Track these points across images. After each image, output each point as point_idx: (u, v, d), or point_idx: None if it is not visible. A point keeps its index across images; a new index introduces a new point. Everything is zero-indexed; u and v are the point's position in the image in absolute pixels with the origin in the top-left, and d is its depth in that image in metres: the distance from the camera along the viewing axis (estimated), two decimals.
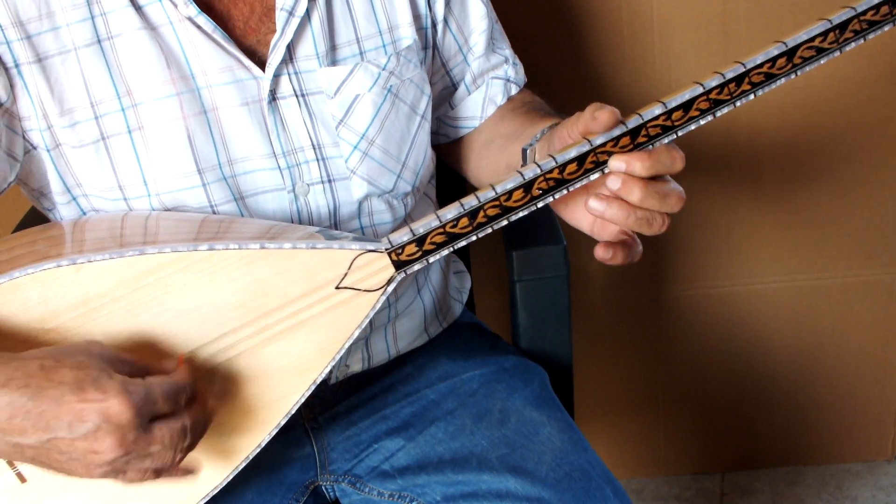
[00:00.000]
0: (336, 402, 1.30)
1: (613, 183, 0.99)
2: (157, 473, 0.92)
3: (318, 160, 1.17)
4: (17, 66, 1.07)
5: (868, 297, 2.04)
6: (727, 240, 1.99)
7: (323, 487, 1.27)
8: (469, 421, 1.25)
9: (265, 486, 1.22)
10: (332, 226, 1.19)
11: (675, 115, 0.98)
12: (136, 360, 0.94)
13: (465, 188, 1.60)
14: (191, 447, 0.94)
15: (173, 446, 0.91)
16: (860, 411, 2.16)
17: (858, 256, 2.00)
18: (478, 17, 1.31)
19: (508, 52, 1.37)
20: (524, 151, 1.13)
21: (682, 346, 2.11)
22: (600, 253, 1.03)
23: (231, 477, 1.05)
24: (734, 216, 1.97)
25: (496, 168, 1.30)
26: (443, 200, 1.40)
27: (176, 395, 0.92)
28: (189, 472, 0.99)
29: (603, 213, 1.00)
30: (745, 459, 2.23)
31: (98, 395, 0.87)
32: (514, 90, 1.36)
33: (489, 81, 1.34)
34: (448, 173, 1.42)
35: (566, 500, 1.15)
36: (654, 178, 1.00)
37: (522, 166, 1.11)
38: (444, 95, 1.36)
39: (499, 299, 1.94)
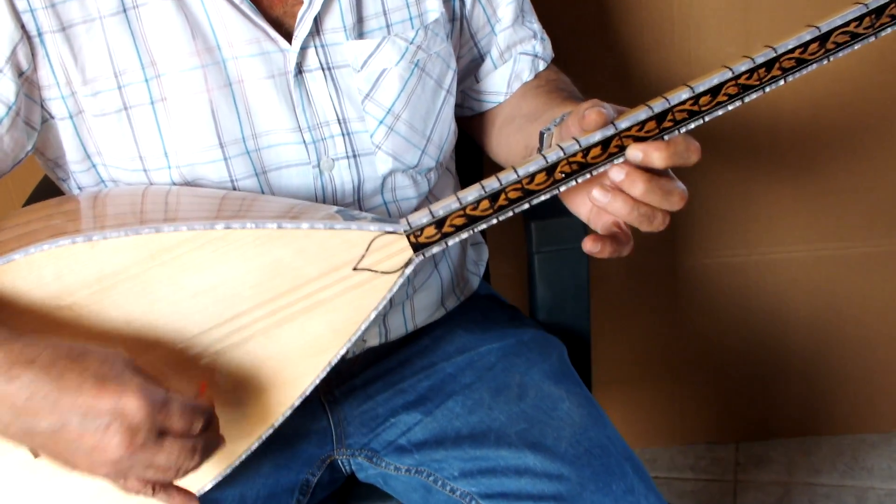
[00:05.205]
0: (353, 376, 1.29)
1: (617, 175, 0.98)
2: (156, 489, 0.92)
3: (343, 135, 1.15)
4: (39, 34, 1.05)
5: (888, 267, 2.02)
6: (746, 209, 1.97)
7: (339, 461, 1.27)
8: (487, 395, 1.25)
9: (281, 460, 1.22)
10: (356, 201, 1.18)
11: (703, 100, 0.96)
12: (158, 377, 0.93)
13: (483, 160, 1.58)
14: (194, 469, 0.92)
15: (179, 462, 0.90)
16: (877, 382, 2.15)
17: (879, 226, 1.98)
18: None
19: (537, 25, 1.35)
20: (541, 134, 1.11)
21: (699, 315, 2.10)
22: (588, 246, 1.01)
23: (245, 457, 1.05)
24: (753, 185, 1.95)
25: (514, 147, 1.28)
26: (461, 172, 1.38)
27: (193, 415, 0.90)
28: (189, 498, 0.97)
29: (606, 205, 0.99)
30: (761, 429, 2.23)
31: (117, 390, 0.87)
32: (541, 66, 1.34)
33: (517, 57, 1.32)
34: (466, 146, 1.40)
35: (585, 476, 1.15)
36: (659, 174, 0.98)
37: (539, 149, 1.10)
38: (471, 68, 1.34)
39: (515, 267, 1.93)
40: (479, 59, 1.33)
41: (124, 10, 1.07)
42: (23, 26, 1.04)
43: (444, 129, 1.25)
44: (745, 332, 2.11)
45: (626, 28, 1.80)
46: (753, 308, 2.08)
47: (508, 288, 1.80)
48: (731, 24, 1.79)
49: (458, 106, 1.36)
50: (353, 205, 1.18)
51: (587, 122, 0.97)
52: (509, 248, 1.92)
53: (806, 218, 1.97)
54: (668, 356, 2.15)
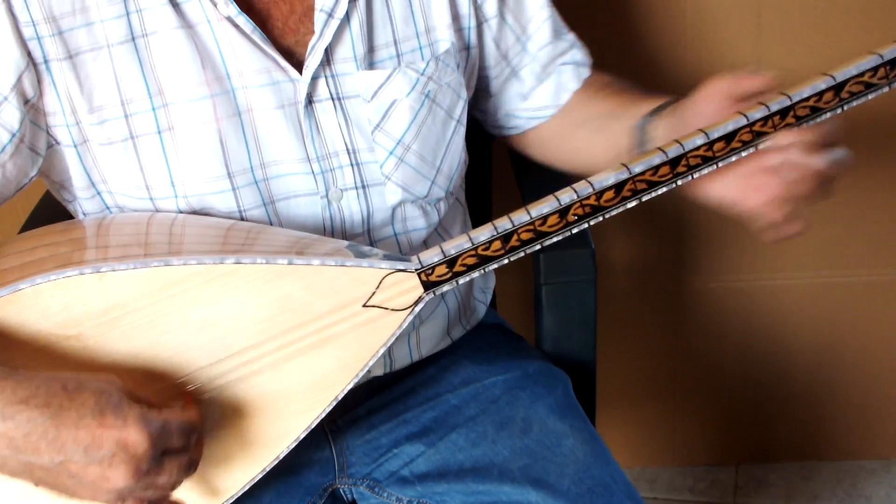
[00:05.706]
0: (356, 405, 1.29)
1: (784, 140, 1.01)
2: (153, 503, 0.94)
3: (352, 165, 1.15)
4: (46, 62, 1.05)
5: (892, 296, 2.01)
6: (752, 234, 1.96)
7: (341, 490, 1.26)
8: (491, 429, 1.24)
9: (283, 488, 1.21)
10: (365, 232, 1.18)
11: (717, 146, 0.96)
12: (149, 396, 0.94)
13: (492, 190, 1.58)
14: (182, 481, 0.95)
15: (178, 478, 0.93)
16: (878, 409, 2.15)
17: (884, 255, 1.98)
18: (536, 7, 1.29)
19: (571, 35, 1.35)
20: (638, 129, 1.14)
21: (702, 337, 2.09)
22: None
23: (247, 488, 1.05)
24: None
25: (594, 147, 1.29)
26: (470, 201, 1.38)
27: (188, 432, 0.93)
28: None
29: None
30: (761, 452, 2.22)
31: (118, 422, 0.88)
32: (584, 73, 1.34)
33: (559, 69, 1.32)
34: (475, 175, 1.39)
35: None
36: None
37: (640, 145, 1.13)
38: (507, 88, 1.33)
39: (520, 288, 1.92)
40: (513, 78, 1.33)
41: (133, 39, 1.07)
42: (29, 54, 1.04)
43: (454, 160, 1.24)
44: (747, 356, 2.10)
45: (640, 32, 1.80)
46: (757, 332, 2.08)
47: (514, 310, 1.79)
48: (743, 28, 1.78)
49: (501, 127, 1.37)
50: (362, 235, 1.18)
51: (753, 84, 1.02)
52: (515, 269, 1.91)
53: (811, 245, 1.97)
54: (670, 377, 2.14)
